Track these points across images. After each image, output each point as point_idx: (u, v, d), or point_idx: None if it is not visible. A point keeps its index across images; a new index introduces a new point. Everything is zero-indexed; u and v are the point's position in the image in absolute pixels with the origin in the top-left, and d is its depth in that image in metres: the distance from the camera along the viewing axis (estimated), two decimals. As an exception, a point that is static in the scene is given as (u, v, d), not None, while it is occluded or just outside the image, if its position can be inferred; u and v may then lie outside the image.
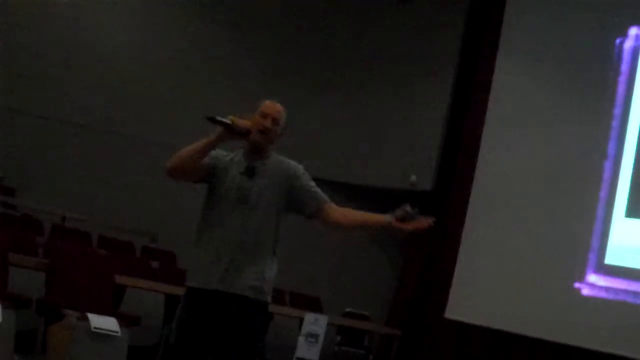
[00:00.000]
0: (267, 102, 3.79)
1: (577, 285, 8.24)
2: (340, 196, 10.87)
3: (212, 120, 3.62)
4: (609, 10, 8.76)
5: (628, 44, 8.57)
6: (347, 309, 9.86)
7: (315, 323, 7.77)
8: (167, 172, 3.71)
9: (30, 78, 10.04)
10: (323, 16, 11.39)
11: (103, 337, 5.71)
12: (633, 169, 8.15)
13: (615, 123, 8.39)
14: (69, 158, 10.14)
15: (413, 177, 10.47)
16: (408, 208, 3.52)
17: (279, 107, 3.79)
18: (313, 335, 7.68)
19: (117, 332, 5.80)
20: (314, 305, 9.20)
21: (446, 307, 9.27)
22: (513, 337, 8.63)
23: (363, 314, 9.94)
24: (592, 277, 8.18)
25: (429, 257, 10.18)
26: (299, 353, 7.54)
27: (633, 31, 8.57)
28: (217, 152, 3.83)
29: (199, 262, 3.71)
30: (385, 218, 3.56)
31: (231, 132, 3.64)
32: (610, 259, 8.11)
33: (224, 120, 3.62)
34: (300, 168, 3.80)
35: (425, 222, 3.61)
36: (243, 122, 3.66)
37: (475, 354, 9.10)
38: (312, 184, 3.77)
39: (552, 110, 8.94)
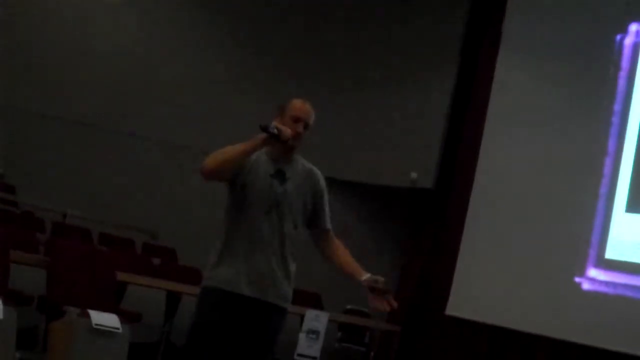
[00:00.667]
0: (297, 104, 3.72)
1: (577, 279, 8.24)
2: (341, 194, 10.99)
3: (265, 129, 3.55)
4: (609, 7, 8.76)
5: (628, 40, 8.57)
6: (348, 306, 9.86)
7: (316, 320, 7.78)
8: (206, 172, 3.64)
9: (30, 76, 10.05)
10: (323, 15, 11.38)
11: (104, 333, 5.72)
12: (633, 164, 8.15)
13: (615, 119, 8.38)
14: (69, 155, 10.15)
15: (414, 175, 10.46)
16: (379, 280, 3.58)
17: (308, 108, 3.74)
18: (314, 332, 7.69)
19: (118, 328, 5.81)
20: (315, 302, 9.20)
21: (447, 303, 9.27)
22: (514, 334, 8.63)
23: (364, 310, 9.94)
24: (592, 272, 8.18)
25: (430, 254, 10.18)
26: (300, 350, 7.55)
27: (633, 27, 8.57)
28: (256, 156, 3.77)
29: (229, 265, 3.67)
30: (362, 277, 3.67)
31: (277, 140, 3.58)
32: (610, 253, 8.12)
33: (274, 131, 3.56)
34: (324, 181, 3.82)
35: (387, 306, 3.61)
36: (285, 130, 3.59)
37: (476, 350, 9.10)
38: (327, 200, 3.83)
39: (553, 107, 8.94)
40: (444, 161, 10.40)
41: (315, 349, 7.46)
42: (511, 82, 9.50)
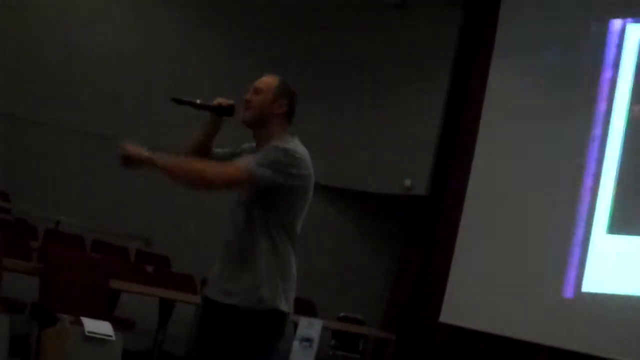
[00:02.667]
0: None
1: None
2: (335, 201, 10.99)
3: (178, 101, 3.40)
4: (599, 17, 8.80)
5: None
6: (342, 313, 9.85)
7: (310, 327, 7.77)
8: (201, 189, 3.52)
9: (24, 83, 10.01)
10: (317, 20, 11.38)
11: (97, 341, 5.71)
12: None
13: (597, 131, 8.44)
14: (62, 162, 10.12)
15: (408, 182, 10.47)
16: None
17: (265, 77, 3.44)
18: (308, 340, 7.69)
19: (111, 336, 5.80)
20: (309, 310, 9.20)
21: (441, 311, 9.27)
22: (507, 341, 8.62)
23: (358, 318, 9.94)
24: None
25: (424, 261, 10.19)
26: (294, 357, 7.54)
27: (626, 38, 8.62)
28: (240, 146, 3.49)
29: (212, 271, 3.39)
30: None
31: (213, 112, 3.38)
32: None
33: (190, 100, 3.38)
34: (274, 146, 3.23)
35: None
36: (219, 100, 3.38)
37: (469, 357, 9.10)
38: (265, 159, 3.17)
39: (546, 116, 8.94)
40: (437, 168, 10.40)
41: (309, 357, 7.46)
42: (505, 89, 9.51)
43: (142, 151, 3.17)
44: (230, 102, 3.42)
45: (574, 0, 9.18)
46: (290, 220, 3.29)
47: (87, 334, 5.65)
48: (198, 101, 3.41)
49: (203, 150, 3.46)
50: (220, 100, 3.41)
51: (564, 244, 8.36)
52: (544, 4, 9.42)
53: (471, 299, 8.95)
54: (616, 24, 8.64)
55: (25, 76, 10.03)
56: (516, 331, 8.47)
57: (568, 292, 8.26)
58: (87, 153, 10.28)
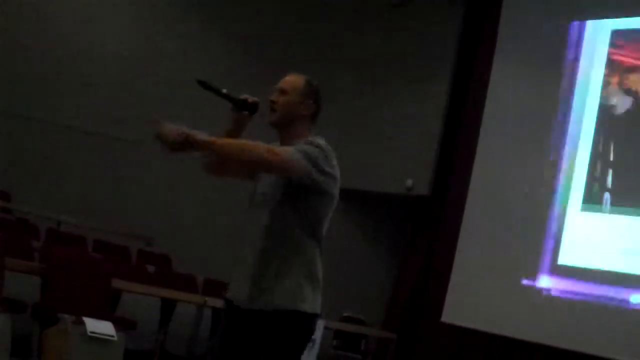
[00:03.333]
0: None
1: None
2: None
3: (204, 85, 3.32)
4: (601, 18, 8.82)
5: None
6: (344, 313, 9.85)
7: (312, 327, 7.75)
8: (202, 166, 3.42)
9: (24, 82, 10.01)
10: (318, 18, 11.38)
11: (99, 341, 5.71)
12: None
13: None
14: (64, 162, 10.12)
15: (409, 182, 10.46)
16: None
17: (288, 77, 3.35)
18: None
19: (113, 336, 5.80)
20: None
21: (442, 311, 9.27)
22: (509, 341, 8.62)
23: (360, 318, 9.94)
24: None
25: (426, 261, 10.18)
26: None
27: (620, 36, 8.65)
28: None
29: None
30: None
31: (234, 105, 3.32)
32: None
33: (217, 87, 3.31)
34: (309, 141, 3.19)
35: None
36: (245, 96, 3.31)
37: (471, 357, 9.09)
38: (303, 147, 3.14)
39: (547, 115, 8.95)
40: (439, 168, 10.40)
41: (311, 357, 7.44)
42: (506, 88, 9.51)
43: (195, 132, 3.09)
44: (255, 99, 3.35)
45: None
46: (315, 221, 3.23)
47: (88, 333, 5.65)
48: (224, 90, 3.33)
49: None
50: (246, 96, 3.35)
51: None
52: (545, 3, 9.41)
53: (472, 299, 8.95)
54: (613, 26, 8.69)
55: (27, 75, 10.03)
56: (517, 331, 8.47)
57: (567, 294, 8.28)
58: (89, 153, 10.28)
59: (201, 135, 3.09)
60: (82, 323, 5.69)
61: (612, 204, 8.16)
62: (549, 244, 8.54)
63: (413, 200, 10.60)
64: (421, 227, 10.59)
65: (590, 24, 8.88)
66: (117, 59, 10.64)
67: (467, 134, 9.90)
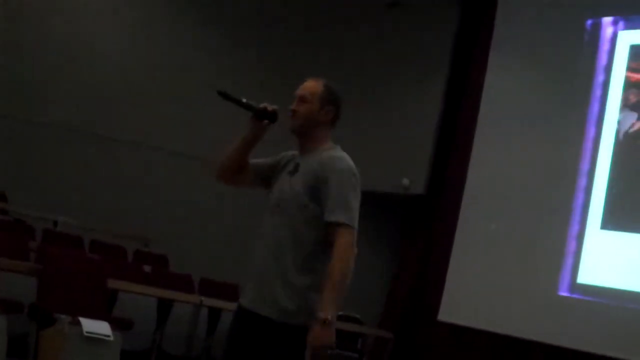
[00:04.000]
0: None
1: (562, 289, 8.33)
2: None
3: (224, 95, 3.27)
4: (595, 14, 8.83)
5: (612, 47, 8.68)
6: (340, 312, 9.84)
7: (308, 326, 7.76)
8: (215, 175, 3.41)
9: (20, 82, 10.01)
10: (313, 19, 11.39)
11: (95, 341, 5.71)
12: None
13: (590, 131, 8.51)
14: (60, 162, 10.12)
15: (405, 181, 10.47)
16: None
17: (308, 82, 3.38)
18: (306, 339, 7.68)
19: (109, 336, 5.80)
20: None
21: (439, 309, 9.28)
22: (506, 339, 8.64)
23: (356, 317, 9.94)
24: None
25: (422, 260, 10.20)
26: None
27: (620, 34, 8.65)
28: (284, 153, 3.40)
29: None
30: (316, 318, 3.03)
31: (253, 114, 3.28)
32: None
33: (238, 97, 3.28)
34: (337, 163, 3.22)
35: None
36: (265, 104, 3.29)
37: (468, 356, 9.11)
38: (342, 191, 3.18)
39: (543, 115, 8.96)
40: (435, 167, 10.41)
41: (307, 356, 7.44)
42: (502, 88, 9.52)
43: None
44: (275, 107, 3.34)
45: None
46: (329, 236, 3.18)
47: (85, 334, 5.65)
48: (244, 100, 3.31)
49: (242, 160, 3.37)
50: (265, 105, 3.32)
51: (560, 241, 8.38)
52: (541, 2, 9.43)
53: (469, 297, 8.97)
54: (608, 30, 8.70)
55: (24, 76, 10.03)
56: (514, 329, 8.48)
57: (564, 289, 8.29)
58: (86, 153, 10.29)
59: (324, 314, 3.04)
60: (79, 323, 5.69)
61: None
62: (547, 243, 8.56)
63: (409, 199, 10.61)
64: (418, 226, 10.60)
65: (589, 25, 8.89)
66: (117, 60, 10.64)
67: (463, 134, 9.92)
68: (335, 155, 3.27)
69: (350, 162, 3.28)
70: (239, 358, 3.23)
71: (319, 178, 3.18)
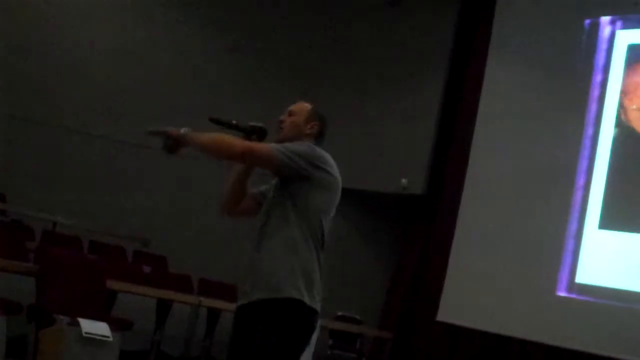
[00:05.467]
0: None
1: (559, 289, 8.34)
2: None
3: (215, 121, 3.49)
4: (593, 12, 8.84)
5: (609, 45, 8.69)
6: (339, 313, 9.86)
7: (307, 327, 7.76)
8: (220, 211, 3.64)
9: (19, 83, 10.02)
10: (312, 18, 11.38)
11: (94, 342, 5.70)
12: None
13: (589, 130, 8.51)
14: (59, 163, 10.12)
15: (404, 181, 10.47)
16: None
17: (299, 103, 3.62)
18: (305, 339, 7.68)
19: (108, 337, 5.79)
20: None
21: (438, 309, 9.28)
22: (504, 340, 8.65)
23: (355, 317, 9.95)
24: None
25: (421, 260, 10.20)
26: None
27: (617, 33, 8.66)
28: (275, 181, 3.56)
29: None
30: None
31: (245, 133, 3.49)
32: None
33: (228, 120, 3.51)
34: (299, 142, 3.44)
35: None
36: (255, 123, 3.54)
37: (467, 356, 9.11)
38: (288, 145, 3.35)
39: (542, 114, 8.97)
40: (434, 167, 10.42)
41: (306, 356, 7.44)
42: (501, 87, 9.53)
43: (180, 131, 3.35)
44: (262, 124, 3.56)
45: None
46: (314, 222, 3.39)
47: (84, 334, 5.64)
48: (234, 122, 3.52)
49: (242, 191, 3.59)
50: (253, 123, 3.55)
51: (558, 241, 8.39)
52: (539, 1, 9.44)
53: (468, 297, 8.97)
54: (606, 29, 8.71)
55: (23, 76, 10.03)
56: (513, 329, 8.49)
57: (562, 289, 8.30)
58: (84, 154, 10.29)
59: (183, 131, 3.34)
60: (78, 324, 5.68)
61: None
62: (546, 243, 8.57)
63: (408, 199, 10.62)
64: (416, 226, 10.60)
65: (587, 24, 8.90)
66: (115, 60, 10.64)
67: (461, 134, 9.92)
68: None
69: (324, 154, 3.47)
70: (238, 351, 3.34)
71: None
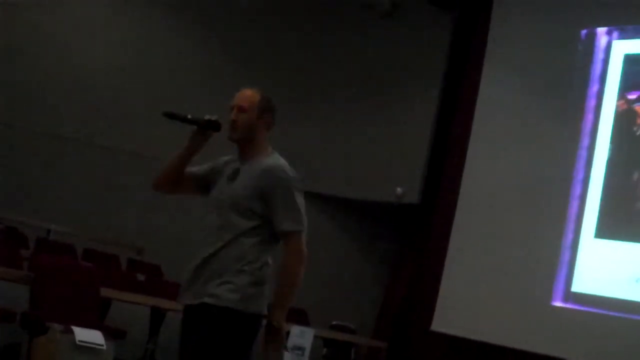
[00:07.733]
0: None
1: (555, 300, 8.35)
2: (326, 209, 10.98)
3: (170, 116, 3.50)
4: (590, 25, 8.87)
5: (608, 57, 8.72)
6: (334, 322, 9.84)
7: (302, 336, 7.75)
8: (152, 185, 3.64)
9: (13, 91, 10.00)
10: (307, 31, 11.40)
11: (88, 350, 5.68)
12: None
13: (585, 141, 8.55)
14: (54, 171, 10.10)
15: (399, 190, 10.47)
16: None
17: (244, 92, 3.54)
18: (299, 348, 7.66)
19: (102, 345, 5.78)
20: (300, 318, 9.18)
21: (432, 319, 9.27)
22: (500, 350, 8.63)
23: (349, 326, 9.93)
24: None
25: (416, 270, 10.18)
26: (286, 366, 7.51)
27: (614, 44, 8.69)
28: (219, 159, 3.60)
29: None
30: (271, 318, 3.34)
31: (198, 127, 3.49)
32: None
33: (183, 115, 3.50)
34: (279, 173, 3.40)
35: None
36: (209, 116, 3.51)
37: (461, 366, 9.10)
38: (288, 200, 3.37)
39: (536, 124, 8.99)
40: (429, 176, 10.42)
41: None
42: (496, 96, 9.54)
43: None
44: (217, 117, 3.53)
45: (565, 8, 9.22)
46: (268, 226, 3.39)
47: (77, 342, 5.63)
48: (189, 116, 3.52)
49: (182, 170, 3.57)
50: (209, 116, 3.52)
51: (554, 250, 8.39)
52: (535, 12, 9.46)
53: (463, 307, 8.96)
54: (602, 39, 8.73)
55: (18, 84, 10.01)
56: (508, 339, 8.48)
57: (558, 299, 8.30)
58: (79, 162, 10.27)
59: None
60: (71, 332, 5.66)
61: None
62: (541, 252, 8.57)
63: (403, 208, 10.61)
64: (411, 235, 10.60)
65: (583, 35, 8.92)
66: (111, 69, 10.63)
67: (457, 142, 9.92)
68: (277, 164, 3.44)
69: (289, 168, 3.45)
70: (185, 351, 3.39)
71: (263, 188, 3.37)
